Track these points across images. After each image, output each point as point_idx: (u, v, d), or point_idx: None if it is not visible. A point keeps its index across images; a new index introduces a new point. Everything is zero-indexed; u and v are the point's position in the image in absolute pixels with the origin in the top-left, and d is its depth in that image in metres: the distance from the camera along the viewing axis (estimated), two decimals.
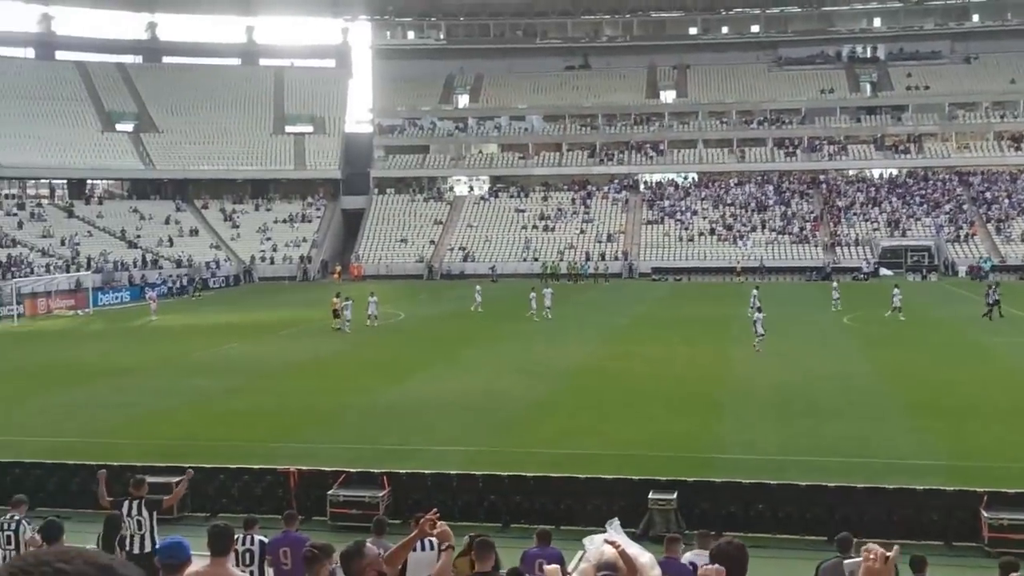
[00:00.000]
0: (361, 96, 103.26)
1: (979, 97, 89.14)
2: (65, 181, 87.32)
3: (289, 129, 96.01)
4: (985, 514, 15.89)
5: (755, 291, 48.41)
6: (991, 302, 44.50)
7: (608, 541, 5.94)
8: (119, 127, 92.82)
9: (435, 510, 7.54)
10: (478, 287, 54.65)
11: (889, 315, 45.43)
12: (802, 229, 79.82)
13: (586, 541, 6.28)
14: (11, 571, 1.86)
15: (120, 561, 1.93)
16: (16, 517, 12.87)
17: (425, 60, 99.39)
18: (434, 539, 10.43)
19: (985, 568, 13.48)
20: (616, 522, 6.33)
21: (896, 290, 47.04)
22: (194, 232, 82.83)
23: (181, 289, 69.56)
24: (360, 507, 17.26)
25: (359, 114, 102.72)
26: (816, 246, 77.63)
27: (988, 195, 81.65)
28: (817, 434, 23.07)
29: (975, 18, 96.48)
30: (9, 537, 12.59)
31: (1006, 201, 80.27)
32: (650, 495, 17.06)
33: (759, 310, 37.04)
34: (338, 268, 79.68)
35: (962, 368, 32.22)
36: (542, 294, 48.49)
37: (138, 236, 79.63)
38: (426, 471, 18.77)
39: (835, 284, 54.75)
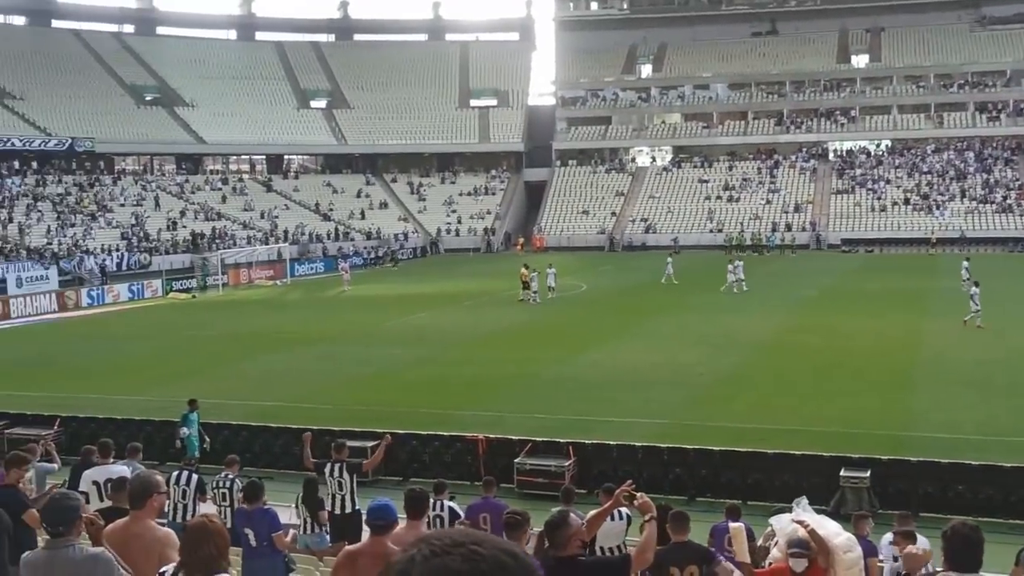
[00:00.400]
0: (544, 69, 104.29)
1: None
2: (264, 157, 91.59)
3: (474, 103, 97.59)
4: None
5: (965, 263, 46.20)
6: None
7: (796, 521, 5.90)
8: (313, 104, 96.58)
9: (630, 481, 7.64)
10: (669, 258, 54.14)
11: None
12: (1005, 198, 75.44)
13: (773, 520, 6.22)
14: (431, 550, 1.93)
15: (522, 549, 2.06)
16: (230, 476, 13.79)
17: (608, 31, 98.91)
18: (623, 509, 10.59)
19: None
20: (804, 500, 6.27)
21: None
22: (383, 205, 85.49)
23: (376, 260, 72.11)
24: (546, 476, 17.61)
25: (542, 87, 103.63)
26: (1021, 216, 73.27)
27: None
28: (1021, 414, 21.96)
29: None
30: (224, 494, 13.51)
31: None
32: (842, 472, 16.73)
33: (975, 284, 35.00)
34: (520, 240, 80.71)
35: None
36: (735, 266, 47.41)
37: (331, 209, 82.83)
38: (611, 442, 18.94)
39: None
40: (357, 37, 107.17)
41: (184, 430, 19.27)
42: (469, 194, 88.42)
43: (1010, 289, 45.35)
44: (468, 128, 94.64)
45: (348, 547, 6.89)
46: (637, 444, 18.84)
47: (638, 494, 7.09)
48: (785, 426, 21.33)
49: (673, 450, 18.38)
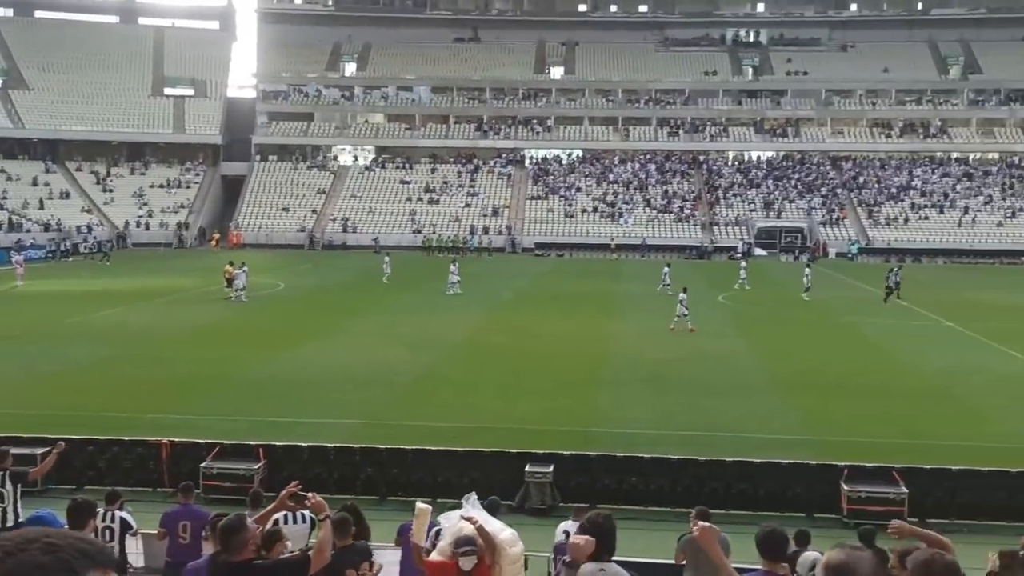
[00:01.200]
0: (245, 60, 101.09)
1: (854, 84, 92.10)
2: None
3: (168, 91, 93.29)
4: (845, 487, 16.59)
5: (666, 268, 49.23)
6: (891, 284, 45.39)
7: (465, 517, 5.99)
8: None
9: (296, 483, 7.54)
10: (387, 257, 54.02)
11: (806, 296, 46.14)
12: (682, 208, 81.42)
13: (442, 518, 6.29)
14: (4, 550, 1.89)
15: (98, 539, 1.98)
16: None
17: (312, 26, 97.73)
18: (306, 512, 10.40)
19: (844, 538, 14.04)
20: (473, 496, 6.38)
21: (807, 270, 48.06)
22: (65, 195, 79.96)
23: (63, 253, 67.32)
24: (234, 480, 17.04)
25: (242, 79, 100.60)
26: (695, 225, 79.31)
27: (859, 180, 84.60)
28: (692, 409, 23.67)
29: (853, 7, 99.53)
30: None
31: (876, 186, 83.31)
32: (526, 468, 17.29)
33: (684, 289, 36.72)
34: (216, 235, 78.06)
35: (831, 347, 33.41)
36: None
37: (4, 198, 76.44)
38: (303, 443, 18.62)
39: (743, 265, 55.07)
40: (39, 14, 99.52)
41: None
42: (161, 186, 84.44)
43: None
44: (162, 117, 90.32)
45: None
46: (329, 445, 18.62)
47: (309, 495, 6.98)
48: (478, 424, 21.83)
49: (366, 450, 18.31)
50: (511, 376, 27.58)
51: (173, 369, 27.76)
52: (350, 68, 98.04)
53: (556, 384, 26.46)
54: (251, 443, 18.36)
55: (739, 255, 73.16)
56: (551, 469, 17.27)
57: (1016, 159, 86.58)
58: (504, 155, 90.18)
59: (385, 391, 25.48)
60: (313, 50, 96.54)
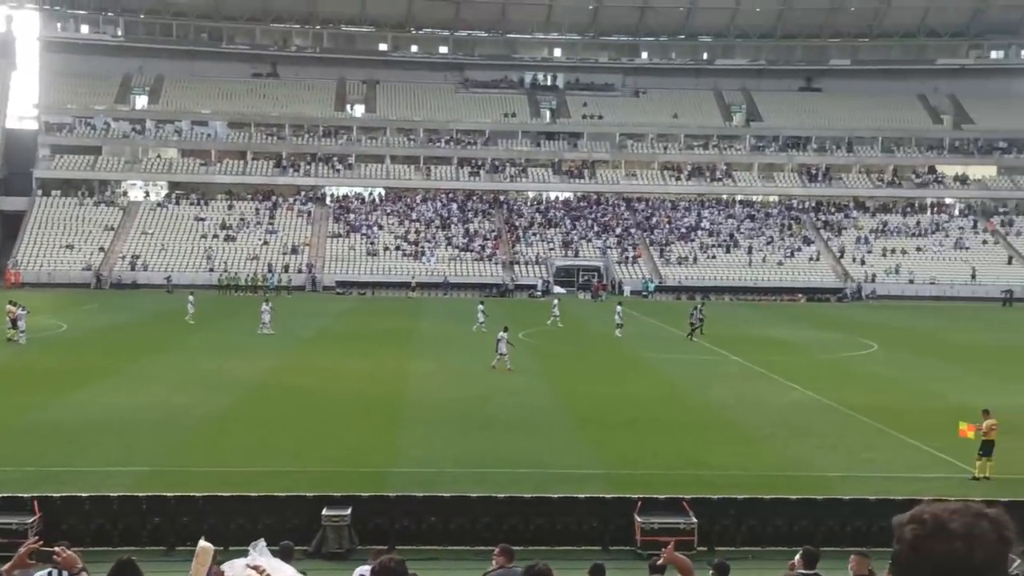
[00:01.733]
0: (26, 90, 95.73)
1: (646, 129, 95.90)
2: None
3: None
4: (638, 519, 17.00)
5: (480, 306, 49.60)
6: (694, 322, 47.07)
7: (251, 566, 5.71)
8: None
9: (36, 538, 7.09)
10: (191, 296, 51.99)
11: (619, 334, 47.07)
12: (483, 247, 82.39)
13: (226, 566, 5.99)
14: None
15: None
16: None
17: (100, 56, 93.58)
18: (64, 569, 9.75)
19: (638, 570, 14.37)
20: (261, 543, 6.11)
21: (619, 308, 49.01)
22: None
23: None
24: (5, 535, 15.84)
25: (23, 109, 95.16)
26: (496, 263, 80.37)
27: (652, 220, 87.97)
28: (492, 447, 23.80)
29: (644, 55, 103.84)
30: None
31: (667, 227, 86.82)
32: (324, 511, 16.89)
33: (505, 329, 36.91)
34: None
35: (625, 381, 34.40)
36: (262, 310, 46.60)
37: None
38: (84, 494, 17.56)
39: (556, 302, 55.79)
40: None
41: None
42: None
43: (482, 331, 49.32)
44: None
45: None
46: (113, 495, 17.65)
47: (56, 549, 6.56)
48: (273, 468, 21.22)
49: (152, 498, 17.46)
50: (309, 417, 26.99)
51: None
52: (141, 101, 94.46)
53: (355, 425, 26.10)
54: (24, 495, 17.17)
55: (539, 293, 74.63)
56: (348, 512, 16.94)
57: (793, 202, 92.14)
58: (304, 192, 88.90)
59: (175, 435, 24.45)
60: (102, 81, 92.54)
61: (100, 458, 21.92)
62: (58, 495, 17.36)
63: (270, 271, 76.08)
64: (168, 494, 17.66)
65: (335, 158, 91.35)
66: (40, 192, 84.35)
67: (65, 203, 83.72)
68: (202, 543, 6.79)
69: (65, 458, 21.86)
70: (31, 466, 20.95)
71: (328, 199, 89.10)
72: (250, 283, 73.02)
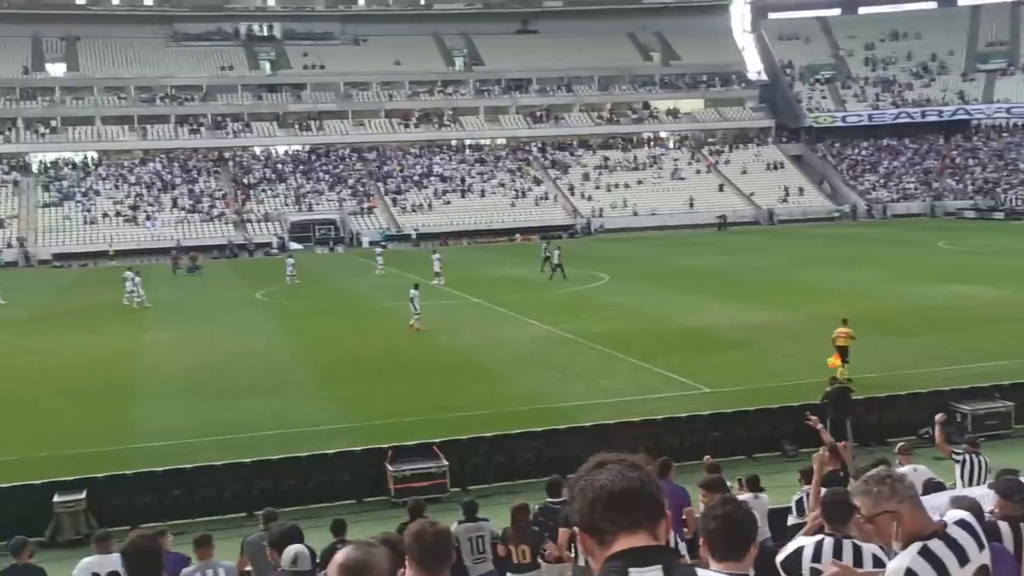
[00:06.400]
0: None
1: (369, 77, 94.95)
2: None
3: None
4: (390, 468, 16.97)
5: (291, 260, 49.97)
6: (556, 264, 46.72)
7: None
8: None
9: None
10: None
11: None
12: (212, 207, 79.32)
13: None
14: None
15: None
16: None
17: None
18: None
19: (393, 517, 14.33)
20: None
21: (436, 256, 47.86)
22: None
23: None
24: None
25: None
26: (227, 223, 77.61)
27: (384, 170, 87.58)
28: (233, 413, 23.05)
29: (361, 2, 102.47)
30: None
31: (400, 175, 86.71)
32: (55, 498, 15.81)
33: (415, 287, 34.40)
34: None
35: (369, 334, 34.18)
36: None
37: None
38: None
39: (291, 261, 52.83)
40: None
41: None
42: None
43: (216, 294, 47.66)
44: None
45: None
46: None
47: None
48: None
49: None
50: (27, 401, 25.14)
51: None
52: None
53: (83, 404, 24.55)
54: None
55: (274, 251, 72.77)
56: (83, 496, 15.94)
57: (521, 143, 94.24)
58: (6, 160, 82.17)
59: None
60: None
61: None
62: None
63: (10, 245, 70.35)
64: None
65: (38, 122, 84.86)
66: None
67: None
68: None
69: None
70: None
71: (35, 166, 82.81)
72: None
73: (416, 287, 34.66)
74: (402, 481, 16.75)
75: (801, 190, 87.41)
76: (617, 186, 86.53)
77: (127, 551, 5.45)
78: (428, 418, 21.51)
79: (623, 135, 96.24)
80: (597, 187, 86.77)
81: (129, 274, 45.08)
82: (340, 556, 3.11)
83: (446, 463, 17.14)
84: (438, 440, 17.91)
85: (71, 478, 16.65)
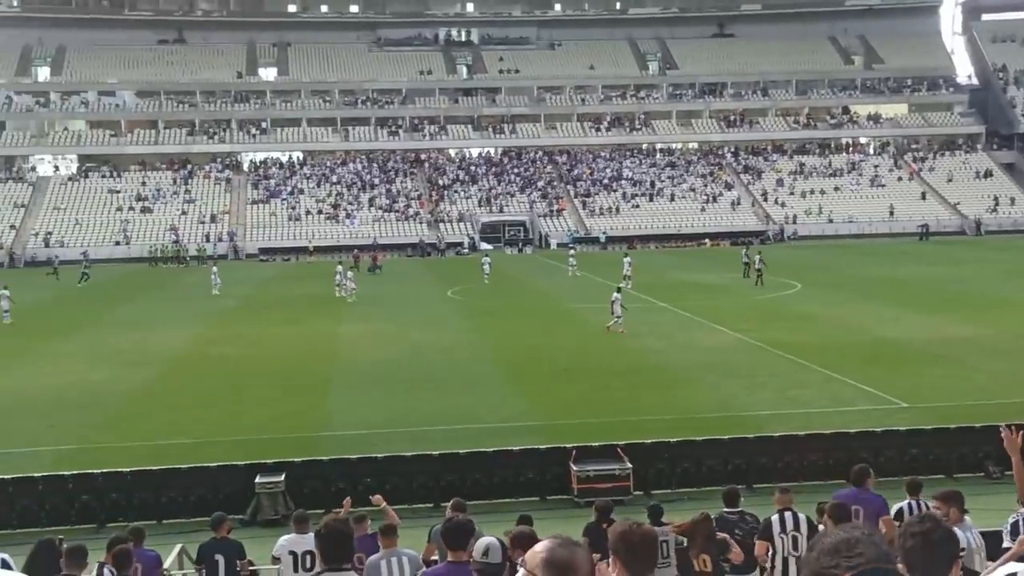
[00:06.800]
0: None
1: (563, 81, 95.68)
2: None
3: None
4: (574, 467, 17.05)
5: (572, 255, 52.10)
6: (758, 268, 46.30)
7: None
8: None
9: None
10: (215, 268, 52.09)
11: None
12: (407, 207, 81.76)
13: None
14: None
15: None
16: None
17: None
18: None
19: (577, 516, 14.40)
20: None
21: (626, 260, 47.96)
22: None
23: None
24: None
25: None
26: (421, 223, 79.83)
27: (574, 172, 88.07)
28: (423, 405, 23.66)
29: (557, 7, 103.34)
30: None
31: (589, 179, 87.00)
32: (257, 479, 16.66)
33: (618, 290, 34.63)
34: None
35: (555, 334, 34.46)
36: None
37: None
38: (6, 476, 17.06)
39: (487, 259, 53.79)
40: None
41: None
42: None
43: (410, 290, 49.08)
44: None
45: None
46: (37, 475, 17.18)
47: None
48: (202, 439, 20.87)
49: (79, 476, 17.05)
50: (237, 386, 26.60)
51: None
52: (43, 73, 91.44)
53: (284, 391, 25.78)
54: None
55: (465, 250, 74.40)
56: (282, 478, 16.73)
57: (713, 148, 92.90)
58: (220, 159, 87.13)
59: (98, 412, 23.89)
60: None
61: (20, 439, 21.33)
62: None
63: (209, 240, 74.78)
64: (95, 471, 17.26)
65: (249, 123, 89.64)
66: None
67: None
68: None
69: None
70: None
71: (245, 165, 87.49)
72: (173, 254, 71.58)
73: (619, 290, 34.56)
74: (585, 481, 16.81)
75: (1012, 200, 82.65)
76: (812, 192, 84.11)
77: (321, 532, 5.71)
78: (611, 420, 21.51)
79: (820, 140, 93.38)
80: (791, 193, 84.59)
81: (340, 268, 47.60)
82: (544, 552, 3.09)
83: (630, 466, 17.09)
84: (622, 443, 17.88)
85: (271, 461, 17.51)
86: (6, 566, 9.45)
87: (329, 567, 5.61)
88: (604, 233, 77.35)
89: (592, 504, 12.74)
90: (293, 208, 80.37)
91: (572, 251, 59.90)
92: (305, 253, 72.44)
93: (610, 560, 3.63)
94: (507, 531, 7.53)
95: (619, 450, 17.49)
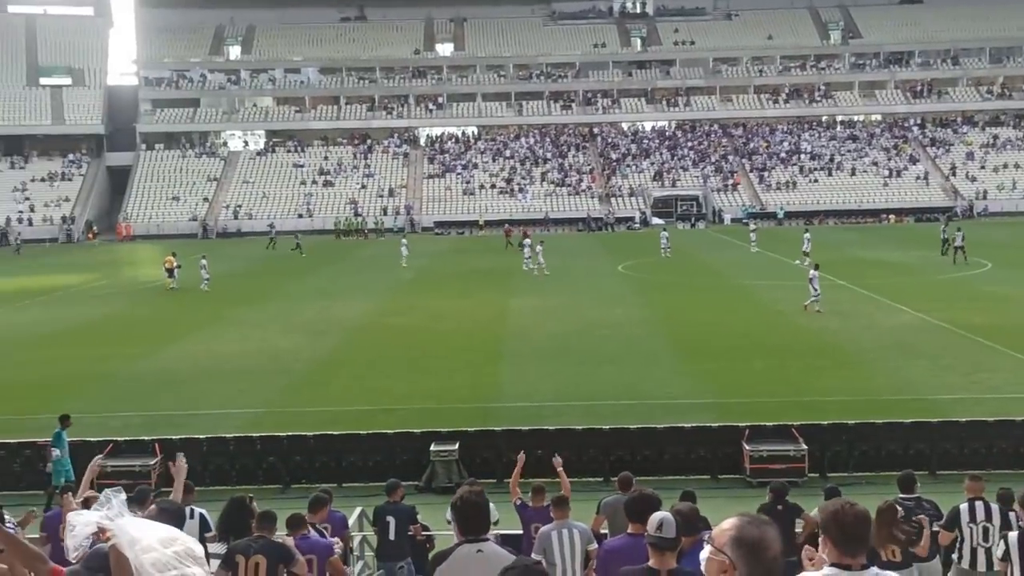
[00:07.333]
0: (124, 47, 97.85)
1: (740, 52, 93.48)
2: None
3: (44, 81, 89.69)
4: (747, 447, 16.79)
5: (664, 233, 51.34)
6: (958, 245, 44.88)
7: (102, 527, 4.63)
8: None
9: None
10: (404, 240, 53.55)
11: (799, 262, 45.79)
12: (579, 181, 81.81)
13: (73, 516, 4.85)
14: None
15: None
16: None
17: (192, 9, 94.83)
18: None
19: (749, 497, 14.21)
20: (118, 497, 4.72)
21: (807, 235, 46.95)
22: None
23: None
24: (130, 476, 16.40)
25: (123, 66, 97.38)
26: (592, 197, 79.76)
27: (750, 146, 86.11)
28: (593, 380, 23.74)
29: None
30: None
31: (765, 152, 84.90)
32: (431, 447, 17.11)
33: (816, 267, 33.77)
34: (94, 229, 76.19)
35: (729, 311, 33.88)
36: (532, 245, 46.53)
37: None
38: (201, 436, 18.10)
39: (665, 234, 53.52)
40: None
41: (55, 452, 16.27)
42: (43, 180, 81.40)
43: (580, 265, 49.16)
44: (39, 108, 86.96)
45: None
46: (229, 436, 18.17)
47: None
48: (380, 406, 21.55)
49: (266, 438, 17.93)
50: (412, 356, 27.30)
51: (60, 368, 26.75)
52: (235, 51, 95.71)
53: (458, 362, 26.32)
54: (146, 438, 17.79)
55: (637, 225, 73.97)
56: (456, 447, 17.13)
57: (898, 120, 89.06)
58: (397, 134, 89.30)
59: (284, 378, 25.01)
60: (195, 34, 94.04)
61: (213, 401, 22.56)
62: (177, 437, 17.92)
63: (390, 213, 77.10)
64: (280, 434, 18.10)
65: (426, 98, 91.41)
66: (144, 146, 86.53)
67: (168, 156, 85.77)
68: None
69: (180, 402, 22.56)
70: (149, 411, 21.67)
71: (422, 140, 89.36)
72: (355, 226, 73.96)
73: (816, 267, 33.61)
74: (759, 462, 16.53)
75: None
76: (1006, 166, 79.61)
77: (456, 504, 5.79)
78: (785, 400, 21.07)
79: (1016, 111, 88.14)
80: (982, 167, 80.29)
81: (528, 241, 47.82)
82: (733, 529, 3.07)
83: (805, 447, 16.70)
84: (797, 423, 17.49)
85: (446, 430, 17.95)
86: (204, 521, 10.04)
87: (466, 538, 5.69)
88: (781, 208, 75.39)
89: (765, 485, 12.55)
90: (467, 182, 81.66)
91: (753, 227, 58.36)
92: (476, 227, 73.59)
93: (820, 540, 3.56)
94: (673, 506, 7.50)
95: (794, 431, 17.12)
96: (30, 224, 75.75)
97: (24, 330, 33.40)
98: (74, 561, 5.02)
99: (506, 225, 66.00)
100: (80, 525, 4.67)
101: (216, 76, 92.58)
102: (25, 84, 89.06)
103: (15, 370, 26.85)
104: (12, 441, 18.10)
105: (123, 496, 4.70)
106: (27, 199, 78.23)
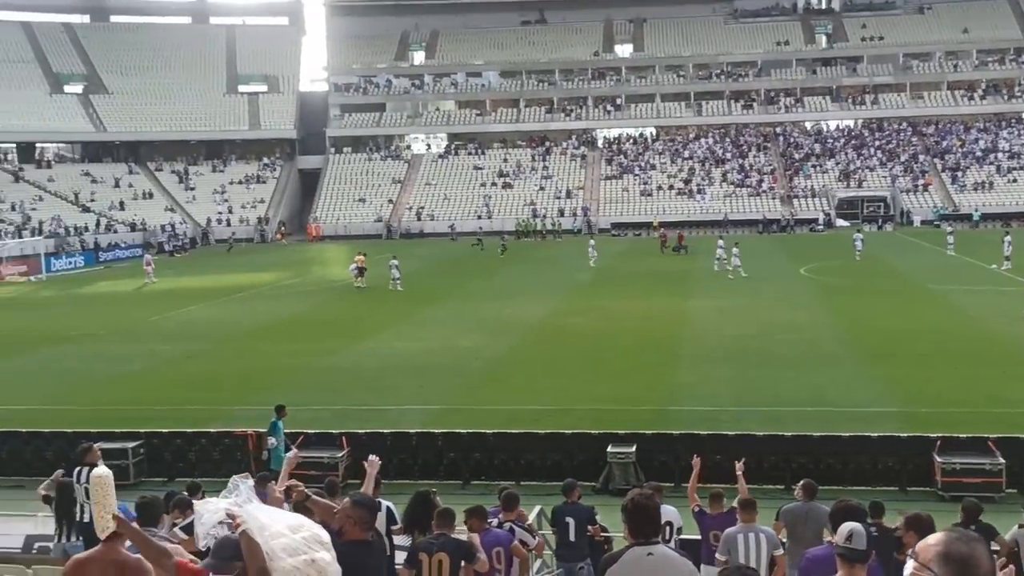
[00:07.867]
0: (315, 54, 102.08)
1: (932, 47, 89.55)
2: (14, 145, 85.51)
3: (242, 89, 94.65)
4: (938, 459, 16.13)
5: (727, 246, 48.49)
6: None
7: (231, 514, 4.64)
8: (68, 89, 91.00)
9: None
10: (592, 241, 54.82)
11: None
12: (760, 182, 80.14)
13: (200, 505, 4.94)
14: None
15: None
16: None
17: (379, 17, 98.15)
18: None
19: (939, 512, 13.65)
20: (246, 483, 4.76)
21: (1008, 238, 44.17)
22: (148, 195, 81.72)
23: (180, 247, 72.42)
24: (319, 468, 17.16)
25: (314, 72, 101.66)
26: (774, 198, 78.01)
27: (942, 145, 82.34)
28: (773, 384, 23.26)
29: None
30: None
31: (959, 151, 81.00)
32: (609, 448, 17.16)
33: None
34: (282, 229, 79.64)
35: (917, 316, 32.56)
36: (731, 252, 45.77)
37: (92, 200, 78.44)
38: (385, 430, 18.73)
39: (859, 235, 52.11)
40: (115, 19, 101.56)
41: (271, 440, 17.54)
42: (240, 182, 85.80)
43: (761, 266, 48.13)
44: (237, 114, 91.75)
45: (77, 555, 6.27)
46: (411, 431, 18.73)
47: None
48: (558, 406, 21.75)
49: (447, 435, 18.38)
50: (590, 357, 27.41)
51: (253, 362, 28.15)
52: (419, 57, 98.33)
53: (635, 363, 26.25)
54: (334, 431, 18.53)
55: (820, 227, 71.94)
56: (633, 449, 17.13)
57: None
58: (575, 136, 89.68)
59: (464, 376, 25.54)
60: (381, 40, 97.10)
61: (396, 397, 23.25)
62: (363, 431, 18.60)
63: (566, 215, 77.80)
64: (461, 431, 18.52)
65: (605, 100, 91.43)
66: (333, 150, 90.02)
67: (355, 159, 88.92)
68: (98, 470, 5.62)
69: (365, 397, 23.36)
70: (337, 405, 22.56)
71: (600, 142, 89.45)
72: (532, 228, 74.77)
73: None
74: (951, 475, 15.85)
75: None
76: None
77: (627, 507, 5.79)
78: (978, 410, 20.12)
79: None
80: None
81: (721, 243, 47.71)
82: (940, 545, 2.93)
83: (1002, 461, 15.91)
84: (993, 436, 16.67)
85: (623, 432, 17.97)
86: (390, 513, 10.41)
87: (636, 541, 5.70)
88: (977, 210, 71.75)
89: (958, 499, 12.04)
90: (645, 184, 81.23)
91: (950, 229, 55.56)
92: (651, 228, 73.07)
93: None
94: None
95: (990, 443, 16.33)
96: (228, 224, 79.94)
97: (226, 327, 35.27)
98: (203, 549, 5.07)
99: (661, 229, 65.13)
100: (208, 513, 4.75)
101: (401, 81, 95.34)
102: (225, 92, 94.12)
103: (219, 362, 28.42)
104: (212, 431, 19.17)
105: (251, 482, 4.79)
106: (226, 201, 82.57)
